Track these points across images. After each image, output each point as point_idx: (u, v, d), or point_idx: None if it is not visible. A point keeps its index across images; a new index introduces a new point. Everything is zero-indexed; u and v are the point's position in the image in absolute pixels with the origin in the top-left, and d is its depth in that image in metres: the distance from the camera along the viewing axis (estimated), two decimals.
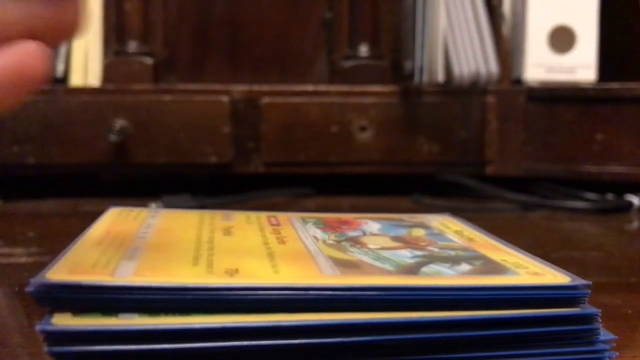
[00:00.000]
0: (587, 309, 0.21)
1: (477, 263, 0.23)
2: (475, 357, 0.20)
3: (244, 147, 0.64)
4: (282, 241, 0.25)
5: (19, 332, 0.25)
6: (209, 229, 0.26)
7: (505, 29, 0.66)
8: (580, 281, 0.21)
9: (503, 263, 0.23)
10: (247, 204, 0.59)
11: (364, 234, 0.27)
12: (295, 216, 0.30)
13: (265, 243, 0.24)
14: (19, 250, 0.40)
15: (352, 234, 0.27)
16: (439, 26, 0.62)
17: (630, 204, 0.59)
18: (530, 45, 0.67)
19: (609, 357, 0.21)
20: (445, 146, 0.65)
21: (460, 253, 0.24)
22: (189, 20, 0.70)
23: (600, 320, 0.21)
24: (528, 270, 0.22)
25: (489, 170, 0.65)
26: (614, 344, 0.21)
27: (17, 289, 0.31)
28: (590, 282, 0.21)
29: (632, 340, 0.25)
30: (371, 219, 0.30)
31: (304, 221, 0.29)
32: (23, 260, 0.38)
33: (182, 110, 0.63)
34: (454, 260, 0.23)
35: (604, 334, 0.21)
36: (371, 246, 0.25)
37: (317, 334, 0.19)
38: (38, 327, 0.18)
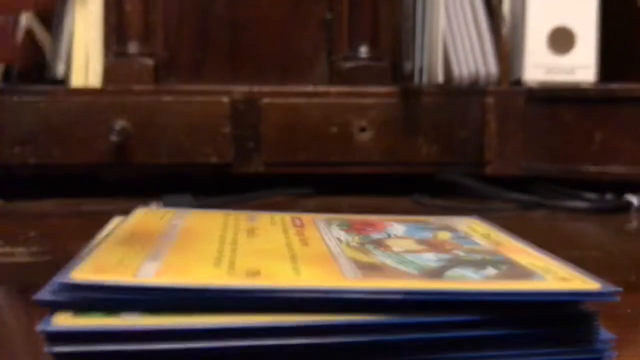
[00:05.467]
0: (586, 308, 0.21)
1: (503, 267, 0.23)
2: (473, 357, 0.20)
3: (244, 147, 0.64)
4: (305, 243, 0.25)
5: (19, 331, 0.25)
6: (233, 229, 0.26)
7: (505, 30, 0.66)
8: (610, 287, 0.21)
9: (530, 267, 0.23)
10: (247, 204, 0.59)
11: (389, 236, 0.27)
12: (320, 217, 0.30)
13: (288, 244, 0.24)
14: (20, 249, 0.40)
15: (376, 236, 0.27)
16: (439, 27, 0.62)
17: (629, 204, 0.59)
18: (530, 46, 0.67)
19: (608, 357, 0.21)
20: (445, 146, 0.65)
21: (487, 257, 0.24)
22: (190, 21, 0.71)
23: (599, 320, 0.21)
24: (556, 276, 0.22)
25: (489, 170, 0.66)
26: (614, 344, 0.22)
27: (18, 288, 0.31)
28: (621, 288, 0.21)
29: (632, 340, 0.25)
30: (397, 221, 0.30)
31: (329, 222, 0.29)
32: (24, 260, 0.38)
33: (183, 111, 0.63)
34: (480, 264, 0.23)
35: (604, 334, 0.21)
36: (395, 249, 0.25)
37: (334, 334, 0.19)
38: (38, 327, 0.18)
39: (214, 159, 0.64)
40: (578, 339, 0.21)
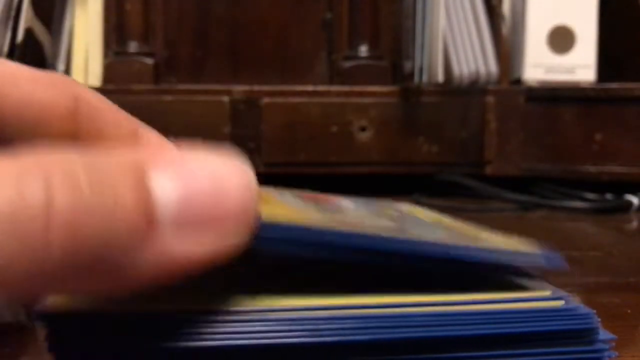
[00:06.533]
0: (583, 308, 0.21)
1: (452, 233, 0.24)
2: (472, 356, 0.20)
3: (244, 147, 0.64)
4: (267, 202, 0.25)
5: (18, 331, 0.25)
6: None
7: (505, 29, 0.66)
8: (551, 253, 0.22)
9: (475, 233, 0.23)
10: None
11: (341, 208, 0.27)
12: (266, 188, 0.30)
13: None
14: None
15: (330, 206, 0.27)
16: (439, 26, 0.62)
17: (629, 204, 0.59)
18: (530, 45, 0.67)
19: (608, 357, 0.21)
20: (445, 146, 0.65)
21: (433, 225, 0.25)
22: (189, 21, 0.71)
23: (599, 320, 0.21)
24: (496, 240, 0.23)
25: (489, 170, 0.66)
26: (613, 344, 0.22)
27: None
28: (560, 254, 0.21)
29: (631, 340, 0.25)
30: (340, 197, 0.31)
31: (280, 192, 0.29)
32: None
33: (183, 111, 0.63)
34: (430, 229, 0.24)
35: (603, 334, 0.21)
36: (353, 214, 0.25)
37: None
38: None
39: None
40: (577, 339, 0.21)
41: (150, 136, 0.26)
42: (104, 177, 0.14)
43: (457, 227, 0.26)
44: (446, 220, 0.28)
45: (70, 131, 0.23)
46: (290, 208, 0.22)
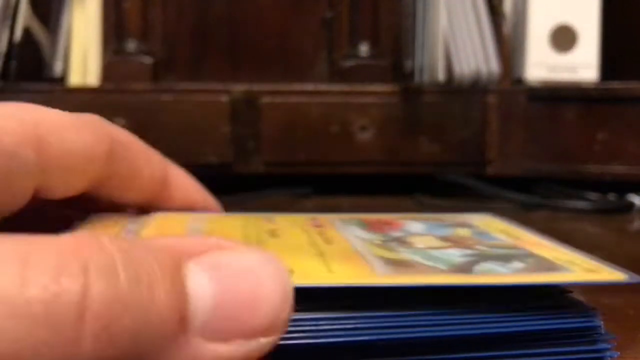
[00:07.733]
0: (586, 307, 0.21)
1: (529, 260, 0.22)
2: (473, 356, 0.20)
3: (244, 147, 0.64)
4: (328, 241, 0.24)
5: None
6: (254, 231, 0.26)
7: (506, 28, 0.66)
8: (636, 278, 0.21)
9: (555, 261, 0.22)
10: (247, 204, 0.59)
11: (409, 233, 0.27)
12: (334, 218, 0.30)
13: (313, 243, 0.24)
14: None
15: (396, 234, 0.26)
16: (440, 25, 0.62)
17: (631, 204, 0.58)
18: (532, 44, 0.66)
19: (610, 357, 0.21)
20: (446, 146, 0.65)
21: (510, 251, 0.24)
22: (189, 20, 0.70)
23: (601, 319, 0.21)
24: (582, 267, 0.21)
25: (490, 170, 0.65)
26: (615, 344, 0.21)
27: None
28: None
29: (634, 341, 0.25)
30: (411, 219, 0.30)
31: (345, 222, 0.28)
32: None
33: (182, 110, 0.63)
34: (505, 258, 0.22)
35: (605, 334, 0.21)
36: (419, 245, 0.24)
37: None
38: None
39: (213, 159, 0.63)
40: (580, 338, 0.21)
41: (179, 175, 0.27)
42: (140, 270, 0.14)
43: (535, 246, 0.25)
44: (525, 236, 0.27)
45: (106, 173, 0.23)
46: (346, 259, 0.22)
